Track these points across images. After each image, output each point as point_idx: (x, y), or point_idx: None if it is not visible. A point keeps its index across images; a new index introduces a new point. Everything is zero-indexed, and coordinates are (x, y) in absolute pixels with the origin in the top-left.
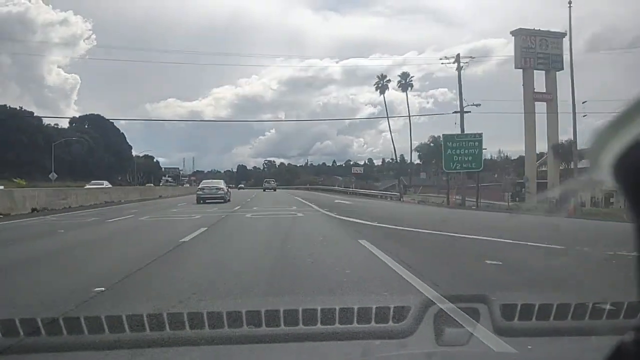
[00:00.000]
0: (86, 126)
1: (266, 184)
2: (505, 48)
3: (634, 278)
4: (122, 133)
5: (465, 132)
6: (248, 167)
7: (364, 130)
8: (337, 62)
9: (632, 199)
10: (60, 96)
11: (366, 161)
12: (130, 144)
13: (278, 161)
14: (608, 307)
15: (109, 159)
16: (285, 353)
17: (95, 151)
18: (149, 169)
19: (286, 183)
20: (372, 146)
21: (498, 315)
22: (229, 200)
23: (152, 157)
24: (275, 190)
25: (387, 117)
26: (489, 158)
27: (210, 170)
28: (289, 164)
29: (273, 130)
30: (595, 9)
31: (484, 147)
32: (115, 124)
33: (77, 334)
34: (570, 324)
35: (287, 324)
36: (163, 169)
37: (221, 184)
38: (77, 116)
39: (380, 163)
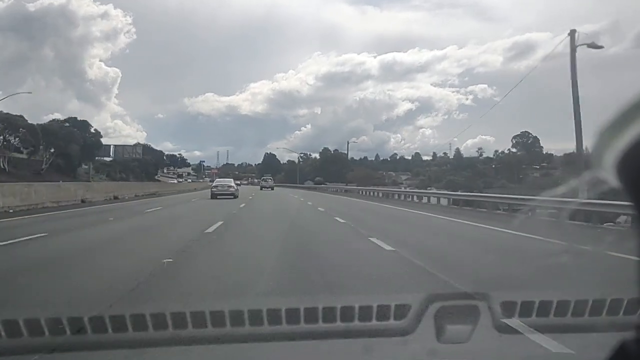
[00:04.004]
0: None
1: (263, 182)
2: (551, 42)
3: None
4: None
5: None
6: (282, 162)
7: (401, 127)
8: (374, 57)
9: (634, 198)
10: (102, 90)
11: (413, 155)
12: None
13: (314, 154)
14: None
15: None
16: (286, 351)
17: None
18: (68, 140)
19: (331, 177)
20: (409, 142)
21: (499, 312)
22: (237, 197)
23: (88, 125)
24: (272, 189)
25: None
26: None
27: (240, 163)
28: (335, 150)
29: (309, 126)
30: None
31: None
32: None
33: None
34: (570, 321)
35: (288, 323)
36: (122, 148)
37: (231, 182)
38: None
39: (430, 158)
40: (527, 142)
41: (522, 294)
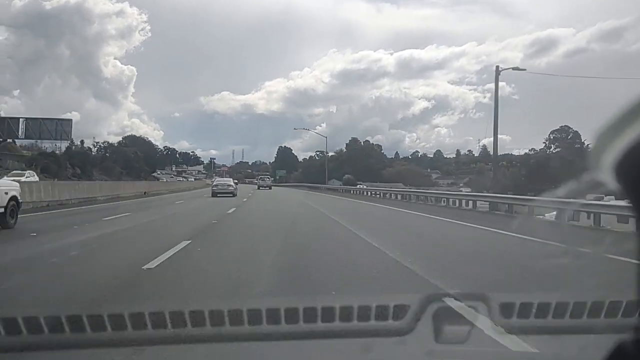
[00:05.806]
0: None
1: (260, 182)
2: (573, 38)
3: None
4: None
5: None
6: (299, 159)
7: (417, 125)
8: (391, 54)
9: (633, 200)
10: (118, 88)
11: (435, 153)
12: None
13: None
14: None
15: None
16: (285, 351)
17: None
18: None
19: (361, 174)
20: (424, 141)
21: (497, 313)
22: (235, 195)
23: None
24: (270, 188)
25: None
26: None
27: (254, 161)
28: (365, 141)
29: (324, 124)
30: None
31: None
32: None
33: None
34: (569, 322)
35: (287, 322)
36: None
37: (230, 181)
38: None
39: (453, 155)
40: (566, 138)
41: None
